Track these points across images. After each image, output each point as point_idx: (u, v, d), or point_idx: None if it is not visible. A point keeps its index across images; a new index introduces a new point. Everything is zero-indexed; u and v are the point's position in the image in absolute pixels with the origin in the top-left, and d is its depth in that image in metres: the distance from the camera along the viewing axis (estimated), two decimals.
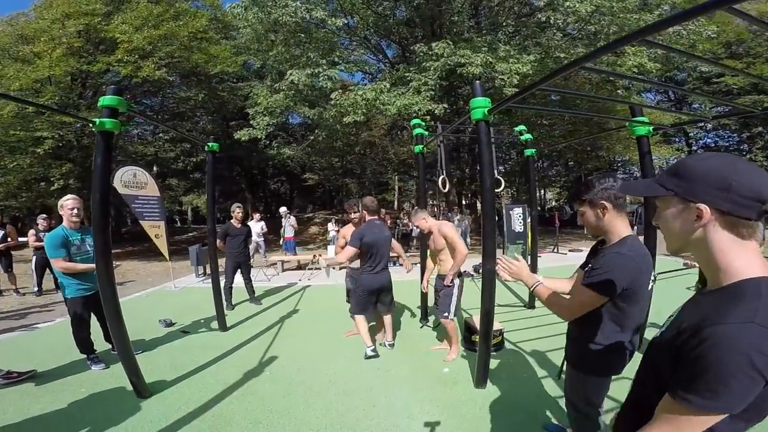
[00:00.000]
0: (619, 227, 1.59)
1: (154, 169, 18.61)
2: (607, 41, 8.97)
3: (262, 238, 11.35)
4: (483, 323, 3.01)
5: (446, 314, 3.58)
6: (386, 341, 4.09)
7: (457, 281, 3.58)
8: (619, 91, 11.06)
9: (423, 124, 4.72)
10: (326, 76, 9.59)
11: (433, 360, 3.75)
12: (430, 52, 9.29)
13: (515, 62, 8.48)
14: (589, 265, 1.63)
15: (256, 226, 10.75)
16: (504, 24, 11.02)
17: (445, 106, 9.84)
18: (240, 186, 23.70)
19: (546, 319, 4.53)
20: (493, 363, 3.53)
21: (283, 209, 12.53)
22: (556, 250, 11.82)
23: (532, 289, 1.70)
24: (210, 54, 14.25)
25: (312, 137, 13.67)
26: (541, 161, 23.08)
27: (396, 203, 29.84)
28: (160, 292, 7.53)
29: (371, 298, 3.80)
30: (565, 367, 1.94)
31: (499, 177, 5.27)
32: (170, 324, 5.08)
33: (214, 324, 4.86)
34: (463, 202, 19.55)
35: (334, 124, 11.08)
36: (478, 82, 2.96)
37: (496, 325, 3.91)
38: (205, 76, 15.34)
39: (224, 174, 23.35)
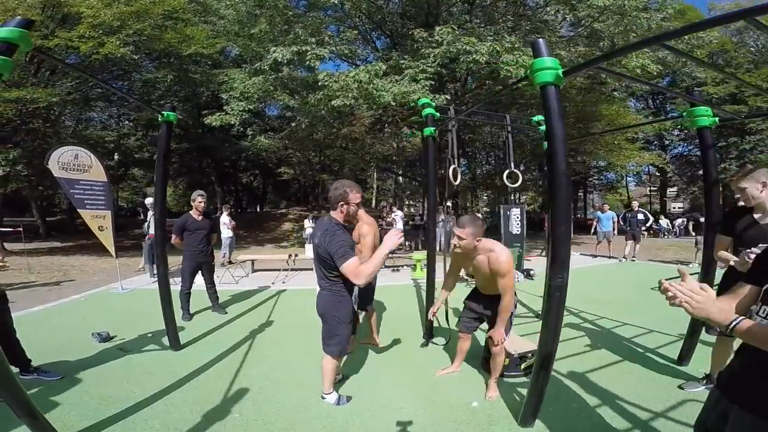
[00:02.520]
0: None
1: (116, 157, 16.97)
2: (611, 41, 8.63)
3: (233, 236, 10.26)
4: (542, 350, 2.26)
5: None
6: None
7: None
8: (614, 92, 10.78)
9: (432, 104, 3.92)
10: (314, 55, 8.68)
11: (451, 390, 2.94)
12: (431, 39, 8.61)
13: (521, 54, 7.97)
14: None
15: (226, 220, 9.67)
16: (500, 20, 10.47)
17: (447, 97, 9.16)
18: (210, 178, 22.17)
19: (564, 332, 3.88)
20: (522, 395, 2.79)
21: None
22: (545, 254, 11.37)
23: (730, 328, 1.11)
24: (185, 34, 13.06)
25: (294, 124, 12.59)
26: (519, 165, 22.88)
27: (374, 201, 29.02)
28: (103, 295, 6.34)
29: None
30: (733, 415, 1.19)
31: (516, 171, 4.61)
32: (107, 338, 4.01)
33: (165, 340, 3.83)
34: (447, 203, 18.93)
35: (319, 110, 10.13)
36: (542, 39, 2.23)
37: (531, 345, 3.26)
38: (177, 57, 14.07)
39: (193, 165, 21.81)
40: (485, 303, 2.94)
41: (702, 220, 8.85)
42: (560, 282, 2.14)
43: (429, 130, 3.77)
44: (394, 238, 2.28)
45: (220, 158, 21.05)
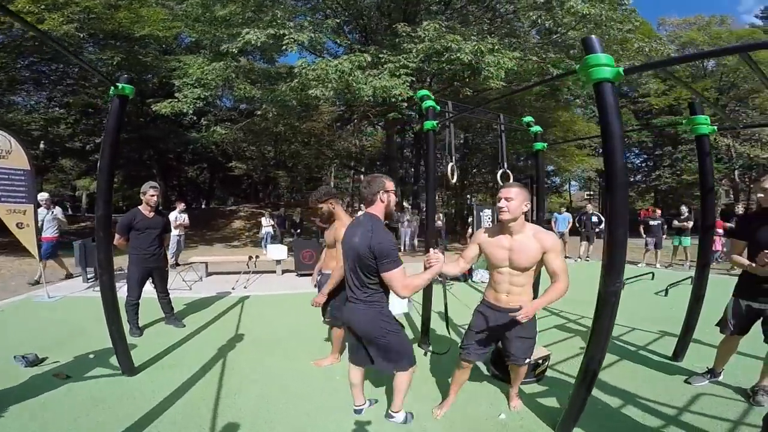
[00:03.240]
0: None
1: (42, 145, 14.89)
2: (582, 50, 8.92)
3: (182, 236, 9.28)
4: (593, 355, 2.11)
5: (527, 360, 2.50)
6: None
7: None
8: (576, 100, 11.28)
9: (431, 96, 3.63)
10: (292, 40, 8.05)
11: (468, 404, 2.68)
12: (414, 34, 8.35)
13: (501, 56, 7.98)
14: None
15: (181, 218, 8.71)
16: (474, 22, 10.50)
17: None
18: (150, 171, 20.26)
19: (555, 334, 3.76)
20: (548, 400, 2.75)
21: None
22: None
23: None
24: (139, 14, 11.88)
25: (259, 112, 11.72)
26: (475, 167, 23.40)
27: None
28: (24, 305, 5.30)
29: (350, 339, 2.39)
30: None
31: (507, 171, 4.46)
32: (35, 361, 3.24)
33: (113, 361, 3.15)
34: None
35: (289, 99, 9.48)
36: (594, 36, 2.06)
37: (542, 351, 3.13)
38: (127, 39, 12.69)
39: (132, 156, 19.78)
40: (503, 320, 2.29)
41: (676, 222, 9.41)
42: (617, 287, 1.99)
43: (430, 124, 3.47)
44: (439, 263, 2.06)
45: (164, 150, 19.28)
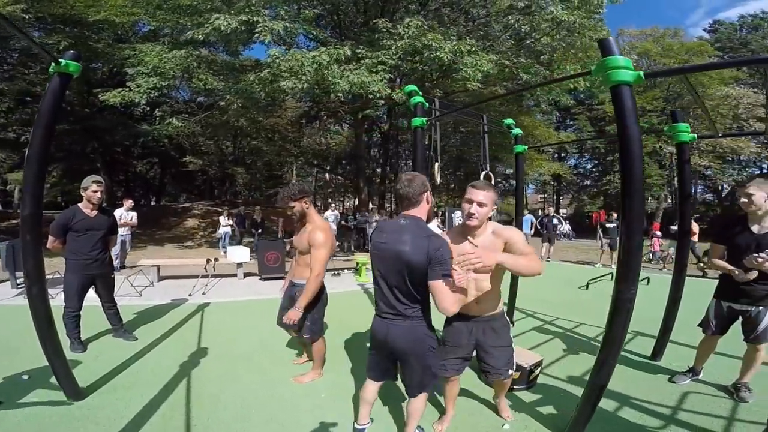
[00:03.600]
0: None
1: None
2: (550, 56, 9.19)
3: (129, 236, 8.48)
4: (606, 361, 2.05)
5: (510, 371, 2.32)
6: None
7: None
8: (535, 107, 11.64)
9: (419, 91, 3.45)
10: (266, 28, 7.56)
11: (465, 415, 2.52)
12: (394, 31, 8.16)
13: (479, 58, 7.99)
14: None
15: (128, 216, 7.92)
16: (448, 24, 10.50)
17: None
18: (94, 165, 18.53)
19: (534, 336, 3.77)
20: (546, 406, 2.69)
21: None
22: None
23: None
24: None
25: (223, 103, 10.98)
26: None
27: None
28: None
29: (376, 355, 2.10)
30: None
31: (489, 173, 4.39)
32: None
33: (53, 382, 2.65)
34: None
35: (257, 91, 8.94)
36: (612, 38, 2.01)
37: (535, 357, 3.09)
38: (78, 24, 11.58)
39: (74, 149, 17.98)
40: (477, 328, 2.19)
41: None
42: (632, 294, 1.94)
43: (419, 121, 3.29)
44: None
45: (110, 143, 17.69)
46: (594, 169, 25.43)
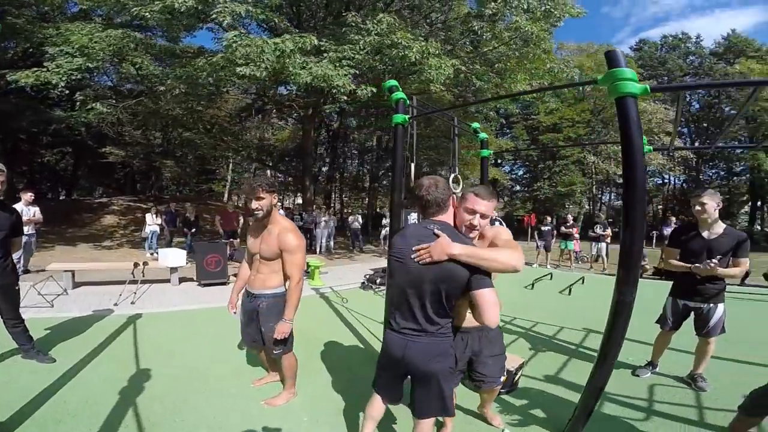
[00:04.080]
0: None
1: None
2: (504, 65, 9.54)
3: (34, 235, 7.22)
4: (598, 370, 2.10)
5: (502, 378, 2.25)
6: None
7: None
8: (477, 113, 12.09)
9: (399, 87, 3.26)
10: (227, 9, 6.86)
11: (464, 425, 2.41)
12: (363, 26, 7.90)
13: (443, 61, 8.01)
14: None
15: (28, 212, 6.69)
16: (410, 26, 10.48)
17: (373, 89, 8.38)
18: None
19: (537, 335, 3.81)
20: (534, 410, 2.68)
21: None
22: None
23: None
24: None
25: (163, 87, 9.74)
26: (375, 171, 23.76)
27: (227, 195, 25.86)
28: None
29: (387, 374, 1.90)
30: None
31: (458, 175, 4.33)
32: None
33: None
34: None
35: (205, 77, 8.10)
36: (618, 49, 2.13)
37: (518, 359, 3.09)
38: None
39: None
40: (472, 341, 2.07)
41: (563, 229, 10.58)
42: (633, 297, 1.99)
43: (401, 118, 3.10)
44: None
45: (15, 129, 15.05)
46: (525, 176, 27.43)
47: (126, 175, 22.61)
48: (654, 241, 14.82)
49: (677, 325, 3.10)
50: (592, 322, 4.75)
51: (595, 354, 3.69)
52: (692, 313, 3.01)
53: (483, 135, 4.58)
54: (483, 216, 1.80)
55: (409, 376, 1.80)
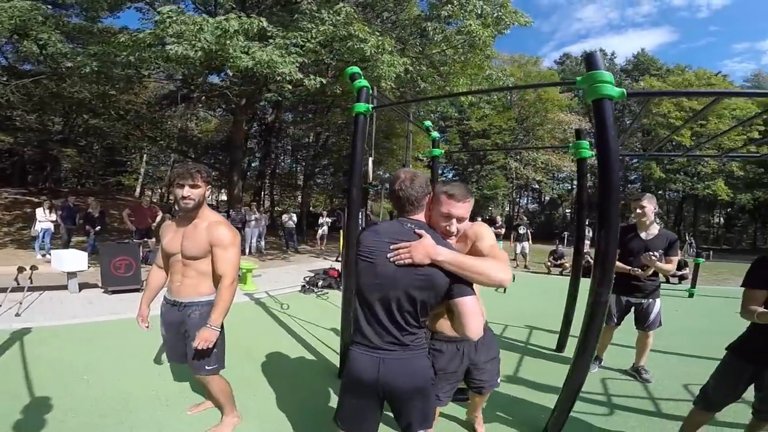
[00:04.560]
0: None
1: None
2: (450, 70, 9.69)
3: None
4: (582, 362, 2.11)
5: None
6: None
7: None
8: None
9: (361, 74, 3.02)
10: None
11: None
12: (317, 14, 7.47)
13: (395, 58, 7.82)
14: None
15: None
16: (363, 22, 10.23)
17: (322, 80, 7.90)
18: None
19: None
20: (508, 414, 2.59)
21: None
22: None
23: None
24: None
25: (70, 65, 8.13)
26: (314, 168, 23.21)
27: (139, 189, 23.21)
28: None
29: (356, 402, 1.55)
30: None
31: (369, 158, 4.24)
32: None
33: None
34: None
35: (125, 56, 6.97)
36: (598, 52, 2.10)
37: None
38: None
39: None
40: (468, 350, 1.89)
41: (493, 230, 11.03)
42: (607, 297, 2.00)
43: (362, 107, 2.85)
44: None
45: None
46: (455, 179, 28.80)
47: (14, 164, 19.06)
48: (565, 240, 16.33)
49: (620, 320, 3.29)
50: (531, 318, 4.96)
51: (545, 350, 3.89)
52: (632, 309, 3.21)
53: (435, 134, 4.53)
54: (460, 219, 1.60)
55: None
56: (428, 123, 4.57)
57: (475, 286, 1.45)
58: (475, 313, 1.38)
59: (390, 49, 7.83)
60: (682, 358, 3.72)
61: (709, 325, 5.00)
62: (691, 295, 7.06)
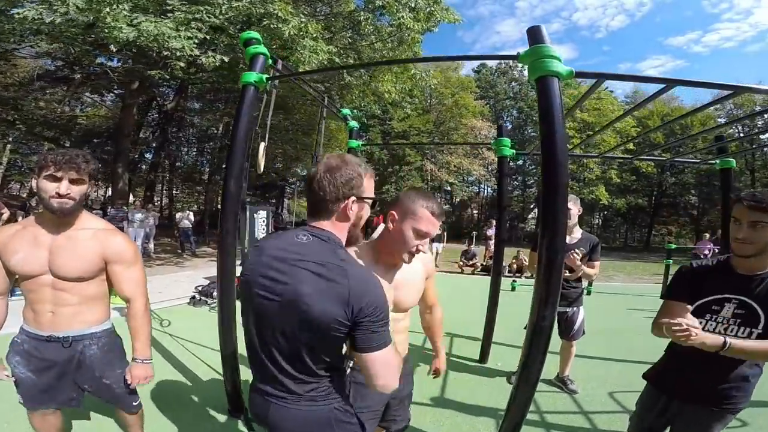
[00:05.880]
0: None
1: None
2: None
3: None
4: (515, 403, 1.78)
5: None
6: None
7: None
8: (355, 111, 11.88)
9: (261, 40, 2.37)
10: None
11: None
12: None
13: (319, 45, 7.18)
14: None
15: None
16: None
17: (224, 58, 6.83)
18: None
19: None
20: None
21: None
22: None
23: (725, 348, 1.27)
24: None
25: None
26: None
27: None
28: None
29: None
30: None
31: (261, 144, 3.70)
32: None
33: None
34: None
35: None
36: (542, 26, 1.67)
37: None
38: None
39: None
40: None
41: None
42: (553, 317, 1.69)
43: (253, 76, 2.20)
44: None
45: None
46: (375, 179, 28.88)
47: None
48: (474, 240, 17.14)
49: None
50: (450, 326, 4.71)
51: (468, 362, 3.64)
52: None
53: (353, 123, 4.05)
54: (432, 239, 1.42)
55: None
56: (346, 111, 4.07)
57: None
58: (385, 367, 0.99)
59: (315, 34, 7.22)
60: (600, 362, 3.73)
61: (616, 323, 5.29)
62: (588, 293, 7.63)
